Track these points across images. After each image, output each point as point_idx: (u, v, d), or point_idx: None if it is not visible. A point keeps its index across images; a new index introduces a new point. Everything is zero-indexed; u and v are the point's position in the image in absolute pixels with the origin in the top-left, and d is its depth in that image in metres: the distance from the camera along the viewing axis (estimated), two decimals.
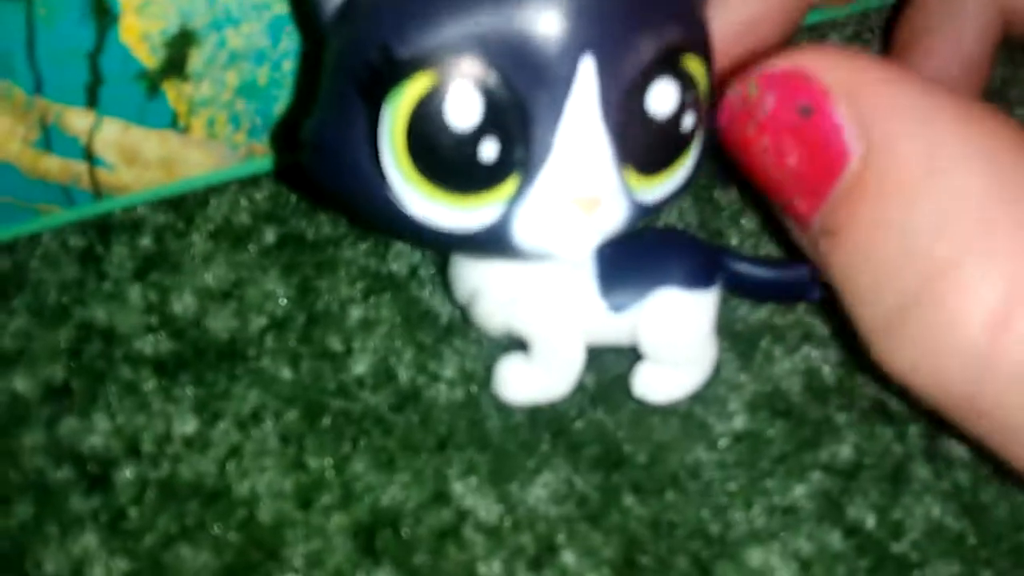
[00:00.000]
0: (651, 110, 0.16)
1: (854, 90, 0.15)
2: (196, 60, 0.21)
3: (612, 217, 0.17)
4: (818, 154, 0.16)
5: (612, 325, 0.20)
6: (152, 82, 0.21)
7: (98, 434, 0.21)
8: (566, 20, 0.15)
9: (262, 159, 0.23)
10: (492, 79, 0.15)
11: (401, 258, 0.24)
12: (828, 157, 0.16)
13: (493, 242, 0.17)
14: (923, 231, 0.15)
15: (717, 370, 0.23)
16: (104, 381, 0.22)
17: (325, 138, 0.17)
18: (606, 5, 0.16)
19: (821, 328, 0.23)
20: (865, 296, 0.16)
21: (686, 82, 0.16)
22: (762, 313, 0.23)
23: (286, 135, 0.22)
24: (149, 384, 0.22)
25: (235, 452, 0.21)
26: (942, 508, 0.22)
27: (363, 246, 0.24)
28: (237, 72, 0.21)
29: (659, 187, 0.17)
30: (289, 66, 0.22)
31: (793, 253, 0.24)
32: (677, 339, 0.20)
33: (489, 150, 0.16)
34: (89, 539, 0.20)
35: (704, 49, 0.17)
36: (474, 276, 0.20)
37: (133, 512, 0.21)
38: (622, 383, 0.22)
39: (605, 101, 0.16)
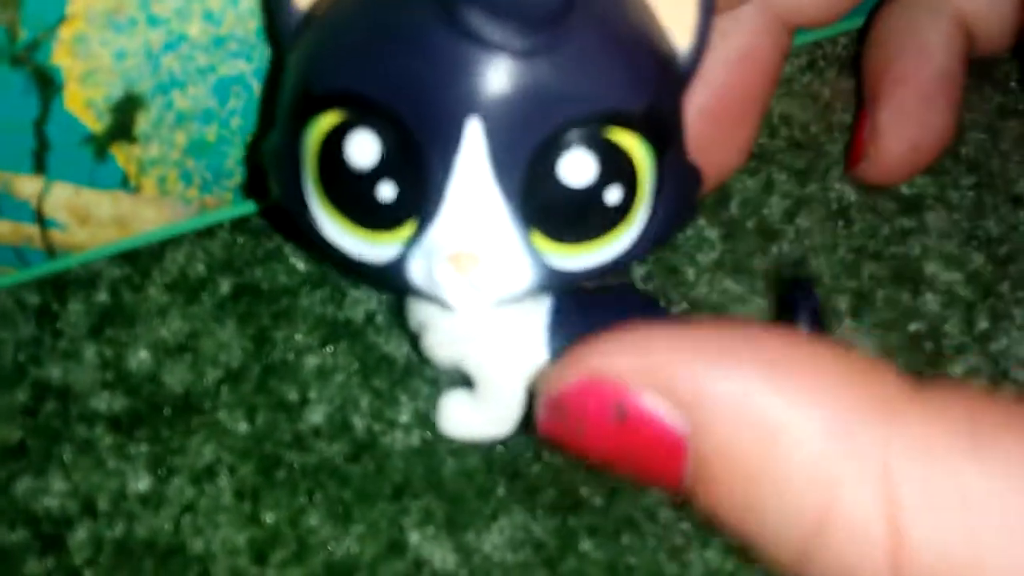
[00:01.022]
0: (563, 179, 0.16)
1: (654, 372, 0.15)
2: (143, 123, 0.21)
3: (510, 277, 0.17)
4: (653, 448, 0.15)
5: None
6: (100, 146, 0.21)
7: (53, 494, 0.22)
8: (457, 81, 0.15)
9: (215, 211, 0.23)
10: (392, 125, 0.16)
11: (358, 305, 0.24)
12: (663, 448, 0.15)
13: (394, 279, 0.17)
14: (787, 488, 0.14)
15: None
16: (60, 440, 0.22)
17: (277, 153, 0.18)
18: (504, 69, 0.15)
19: None
20: (763, 548, 0.15)
21: (610, 156, 0.16)
22: None
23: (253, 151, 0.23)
24: (104, 442, 0.22)
25: (190, 508, 0.21)
26: None
27: (319, 294, 0.24)
28: (185, 132, 0.21)
29: (584, 256, 0.17)
30: (237, 123, 0.22)
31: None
32: None
33: (386, 192, 0.16)
34: None
35: (649, 126, 0.16)
36: (425, 307, 0.20)
37: (88, 573, 0.21)
38: None
39: (500, 163, 0.16)
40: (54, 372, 0.23)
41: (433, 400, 0.23)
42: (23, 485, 0.22)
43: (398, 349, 0.23)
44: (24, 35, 0.19)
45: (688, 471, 0.15)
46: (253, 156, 0.22)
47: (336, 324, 0.23)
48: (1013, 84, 0.28)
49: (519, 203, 0.16)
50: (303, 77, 0.17)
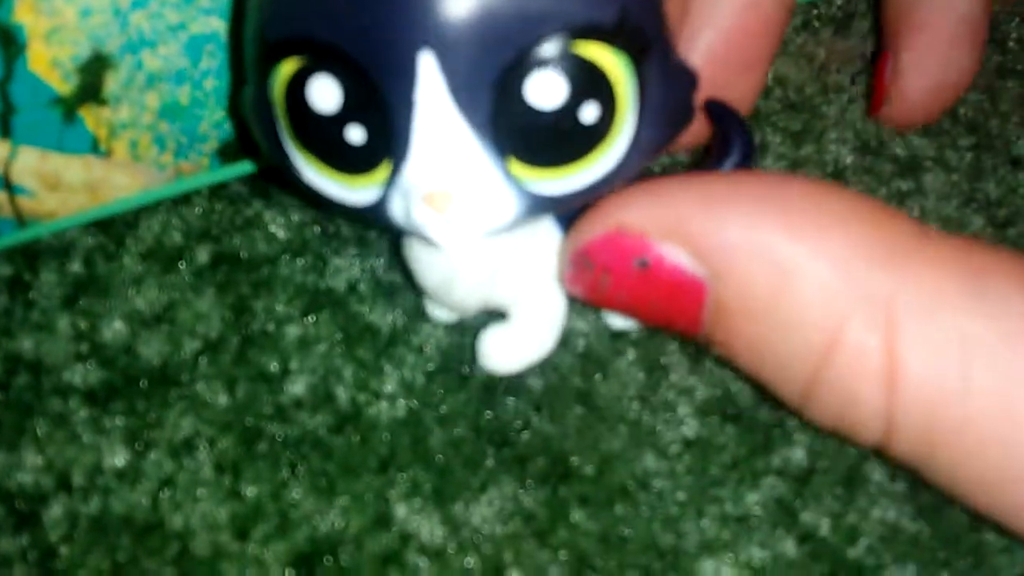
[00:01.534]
0: (532, 102, 0.15)
1: (674, 224, 0.16)
2: (113, 84, 0.20)
3: (491, 209, 0.16)
4: (674, 295, 0.16)
5: None
6: (68, 108, 0.20)
7: (27, 470, 0.21)
8: (404, 15, 0.15)
9: (191, 178, 0.23)
10: (348, 68, 0.15)
11: (340, 274, 0.23)
12: (684, 294, 0.16)
13: (381, 219, 0.17)
14: (797, 325, 0.15)
15: (666, 373, 0.22)
16: (33, 414, 0.21)
17: (253, 104, 0.17)
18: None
19: None
20: (773, 382, 0.16)
21: (580, 73, 0.15)
22: None
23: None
24: (79, 415, 0.21)
25: (168, 483, 0.21)
26: (897, 511, 0.21)
27: (300, 263, 0.23)
28: (158, 94, 0.21)
29: (569, 179, 0.16)
30: (211, 85, 0.21)
31: None
32: None
33: (356, 135, 0.16)
34: None
35: (621, 36, 0.16)
36: (445, 263, 0.20)
37: (63, 550, 0.20)
38: (568, 388, 0.21)
39: (462, 94, 0.15)
40: (26, 344, 0.22)
41: (416, 365, 0.22)
42: None
43: (382, 318, 0.23)
44: None
45: (707, 315, 0.16)
46: (235, 110, 0.21)
47: (318, 293, 0.23)
48: (1012, 44, 0.27)
49: (490, 133, 0.16)
50: (259, 25, 0.16)
